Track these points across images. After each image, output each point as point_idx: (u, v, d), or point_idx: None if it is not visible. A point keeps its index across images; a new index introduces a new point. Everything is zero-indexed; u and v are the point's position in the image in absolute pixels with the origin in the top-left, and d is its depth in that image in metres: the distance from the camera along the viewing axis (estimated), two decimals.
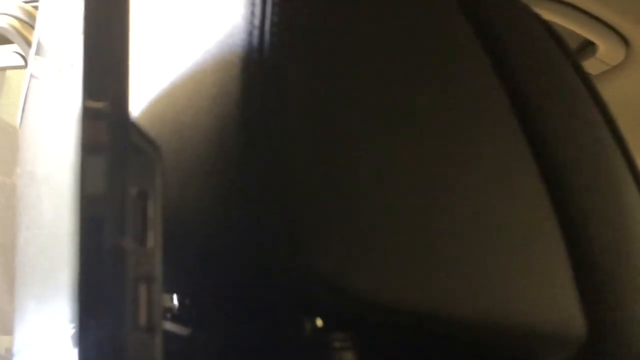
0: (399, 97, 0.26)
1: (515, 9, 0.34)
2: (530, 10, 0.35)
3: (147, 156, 0.21)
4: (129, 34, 0.21)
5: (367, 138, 0.24)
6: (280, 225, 0.22)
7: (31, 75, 0.50)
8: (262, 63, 0.23)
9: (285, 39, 0.24)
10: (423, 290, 0.24)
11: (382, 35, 0.26)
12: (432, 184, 0.25)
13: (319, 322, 0.26)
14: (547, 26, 0.35)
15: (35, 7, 0.71)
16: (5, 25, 0.69)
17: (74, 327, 0.20)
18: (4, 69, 0.84)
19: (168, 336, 0.25)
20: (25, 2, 0.71)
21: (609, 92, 0.75)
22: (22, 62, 0.75)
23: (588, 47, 0.75)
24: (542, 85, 0.31)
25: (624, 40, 0.73)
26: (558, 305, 0.28)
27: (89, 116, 0.20)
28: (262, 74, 0.23)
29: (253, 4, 0.24)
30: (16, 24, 0.70)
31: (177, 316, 0.29)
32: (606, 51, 0.75)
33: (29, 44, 0.69)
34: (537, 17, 0.35)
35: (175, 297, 0.29)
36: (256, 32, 0.23)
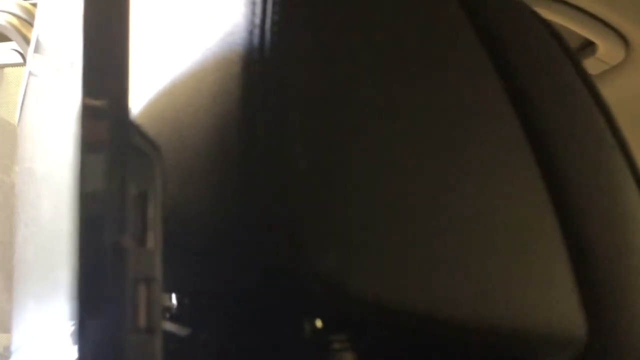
0: (400, 97, 0.26)
1: (516, 9, 0.34)
2: (531, 9, 0.34)
3: (147, 155, 0.21)
4: (129, 31, 0.21)
5: (367, 137, 0.24)
6: (280, 225, 0.22)
7: (30, 73, 0.50)
8: (262, 62, 0.23)
9: (286, 37, 0.23)
10: (423, 290, 0.24)
11: (382, 35, 0.26)
12: (432, 184, 0.25)
13: (319, 323, 0.26)
14: (548, 25, 0.35)
15: (34, 5, 0.71)
16: (3, 23, 0.69)
17: (72, 326, 0.20)
18: (3, 66, 0.84)
19: (168, 336, 0.25)
20: None
21: (609, 92, 0.74)
22: (20, 60, 0.75)
23: (588, 47, 0.75)
24: (542, 84, 0.31)
25: (624, 40, 0.73)
26: (558, 306, 0.28)
27: (88, 114, 0.20)
28: (262, 72, 0.23)
29: (254, 3, 0.24)
30: (15, 21, 0.70)
31: (177, 316, 0.29)
32: (606, 51, 0.75)
33: (27, 41, 0.69)
34: (538, 17, 0.34)
35: (175, 297, 0.29)
36: (257, 31, 0.23)
